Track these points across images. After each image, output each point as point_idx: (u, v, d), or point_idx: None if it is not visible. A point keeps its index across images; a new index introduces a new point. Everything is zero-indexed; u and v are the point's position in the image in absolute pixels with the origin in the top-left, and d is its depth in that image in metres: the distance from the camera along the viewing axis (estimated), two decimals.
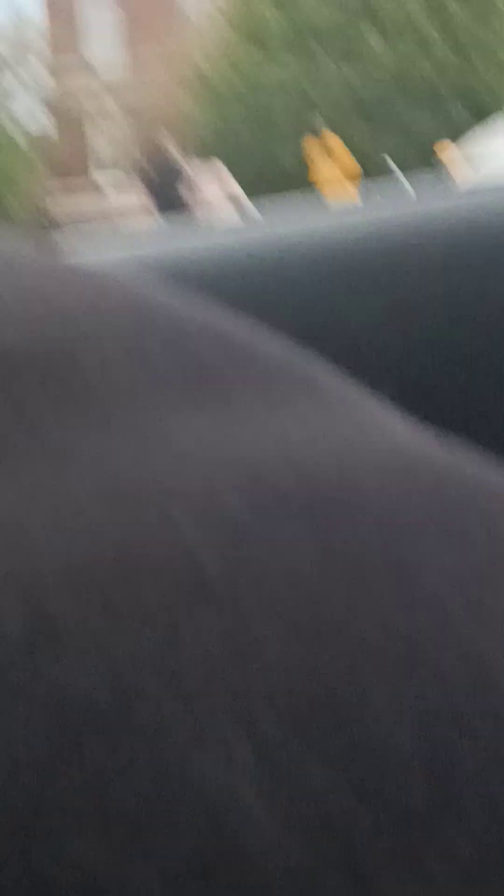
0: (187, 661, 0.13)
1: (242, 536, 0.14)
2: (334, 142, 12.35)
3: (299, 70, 18.66)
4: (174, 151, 11.12)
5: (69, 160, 27.26)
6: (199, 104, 20.12)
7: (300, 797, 0.12)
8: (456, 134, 12.87)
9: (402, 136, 18.26)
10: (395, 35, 18.24)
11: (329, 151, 12.08)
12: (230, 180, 11.55)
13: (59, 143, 26.56)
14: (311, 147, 12.34)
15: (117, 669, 0.13)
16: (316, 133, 12.52)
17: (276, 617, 0.14)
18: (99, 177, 26.25)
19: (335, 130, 14.63)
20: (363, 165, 14.34)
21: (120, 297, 0.19)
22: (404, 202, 0.56)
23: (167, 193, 10.85)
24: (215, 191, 10.94)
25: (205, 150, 12.53)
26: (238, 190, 10.62)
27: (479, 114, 16.87)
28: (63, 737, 0.13)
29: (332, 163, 11.87)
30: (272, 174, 18.49)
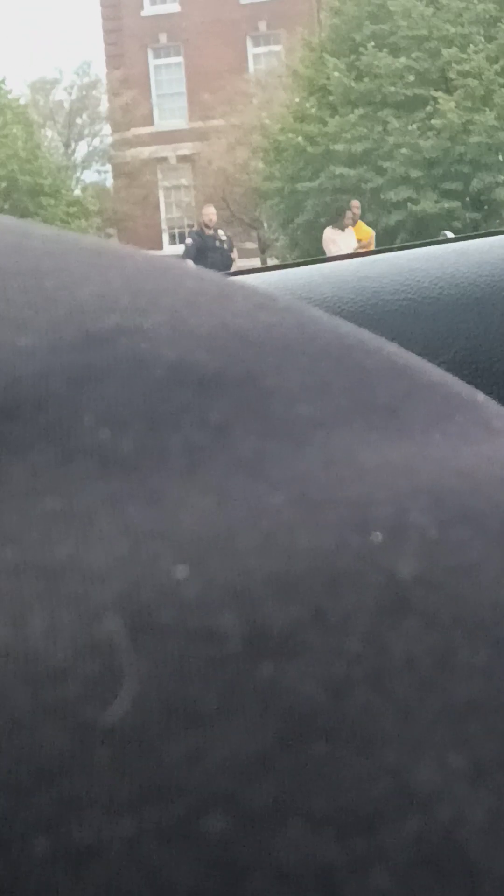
0: (396, 668, 0.14)
1: (432, 550, 0.15)
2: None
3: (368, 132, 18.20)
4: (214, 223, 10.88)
5: (144, 232, 27.06)
6: (266, 163, 19.68)
7: None
8: None
9: (475, 205, 17.74)
10: (472, 106, 17.76)
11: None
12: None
13: (134, 217, 26.41)
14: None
15: (329, 673, 0.14)
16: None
17: (473, 629, 0.14)
18: (171, 250, 26.06)
19: (404, 196, 14.04)
20: (433, 232, 13.72)
21: (284, 315, 0.19)
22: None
23: (207, 261, 10.54)
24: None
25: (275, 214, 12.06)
26: None
27: None
28: (283, 737, 0.13)
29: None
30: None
